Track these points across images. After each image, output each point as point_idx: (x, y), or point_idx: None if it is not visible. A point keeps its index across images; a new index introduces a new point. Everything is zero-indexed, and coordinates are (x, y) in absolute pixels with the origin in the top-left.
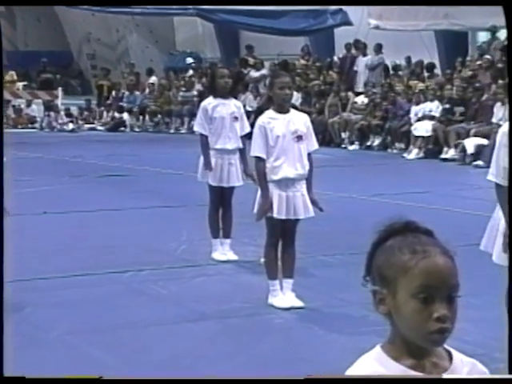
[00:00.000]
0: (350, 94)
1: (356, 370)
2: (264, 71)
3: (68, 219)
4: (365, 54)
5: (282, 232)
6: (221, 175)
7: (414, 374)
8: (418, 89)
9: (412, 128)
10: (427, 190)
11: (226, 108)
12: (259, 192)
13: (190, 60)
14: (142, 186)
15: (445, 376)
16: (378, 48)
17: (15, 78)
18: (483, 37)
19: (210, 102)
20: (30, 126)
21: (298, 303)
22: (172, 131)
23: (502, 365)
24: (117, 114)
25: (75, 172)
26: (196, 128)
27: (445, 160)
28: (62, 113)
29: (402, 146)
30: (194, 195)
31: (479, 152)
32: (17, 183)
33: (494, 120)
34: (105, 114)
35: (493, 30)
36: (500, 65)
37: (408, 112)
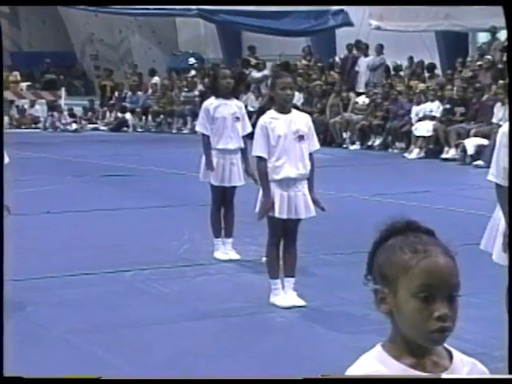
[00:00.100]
0: (352, 94)
1: (357, 368)
2: (266, 72)
3: (71, 218)
4: (366, 55)
5: (284, 231)
6: (222, 175)
7: (414, 373)
8: (418, 89)
9: (413, 128)
10: (428, 190)
11: (228, 108)
12: (261, 192)
13: (192, 60)
14: (144, 185)
15: (445, 375)
16: (380, 49)
17: (19, 78)
18: (483, 37)
19: (211, 102)
20: (33, 126)
21: (300, 302)
22: (174, 131)
23: (502, 364)
24: (120, 114)
25: (78, 172)
26: (198, 128)
27: (445, 160)
28: (66, 113)
29: (403, 145)
30: (196, 195)
31: (479, 152)
32: (20, 183)
33: (494, 120)
34: (108, 114)
35: (493, 31)
36: (500, 65)
37: (409, 112)
